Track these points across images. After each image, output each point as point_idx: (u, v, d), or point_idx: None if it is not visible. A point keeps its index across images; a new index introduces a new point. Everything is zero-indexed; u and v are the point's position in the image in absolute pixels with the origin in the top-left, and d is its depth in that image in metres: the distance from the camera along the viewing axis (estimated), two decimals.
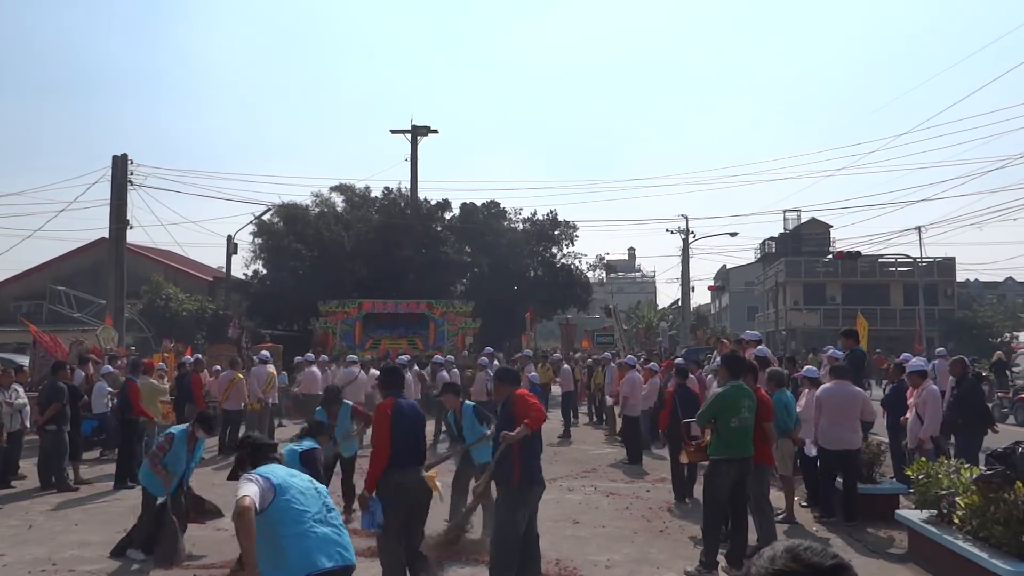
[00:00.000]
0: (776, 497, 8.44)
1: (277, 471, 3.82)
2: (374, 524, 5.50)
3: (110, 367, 12.43)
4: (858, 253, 34.69)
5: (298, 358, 16.63)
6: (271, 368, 13.98)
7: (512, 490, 5.46)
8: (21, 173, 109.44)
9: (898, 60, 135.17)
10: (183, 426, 7.31)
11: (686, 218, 37.28)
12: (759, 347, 10.61)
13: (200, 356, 14.89)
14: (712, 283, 58.64)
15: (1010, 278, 57.11)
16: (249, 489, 3.56)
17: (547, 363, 19.19)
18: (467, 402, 8.13)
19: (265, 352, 15.55)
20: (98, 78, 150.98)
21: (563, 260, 33.64)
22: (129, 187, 23.13)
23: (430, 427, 11.52)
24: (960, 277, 48.98)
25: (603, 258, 36.28)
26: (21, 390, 10.76)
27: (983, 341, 39.37)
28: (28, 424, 10.76)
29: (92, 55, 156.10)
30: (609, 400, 15.58)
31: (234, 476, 4.15)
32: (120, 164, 23.02)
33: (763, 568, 1.27)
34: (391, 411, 5.60)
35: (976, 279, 54.64)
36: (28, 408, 10.67)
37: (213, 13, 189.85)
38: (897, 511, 7.32)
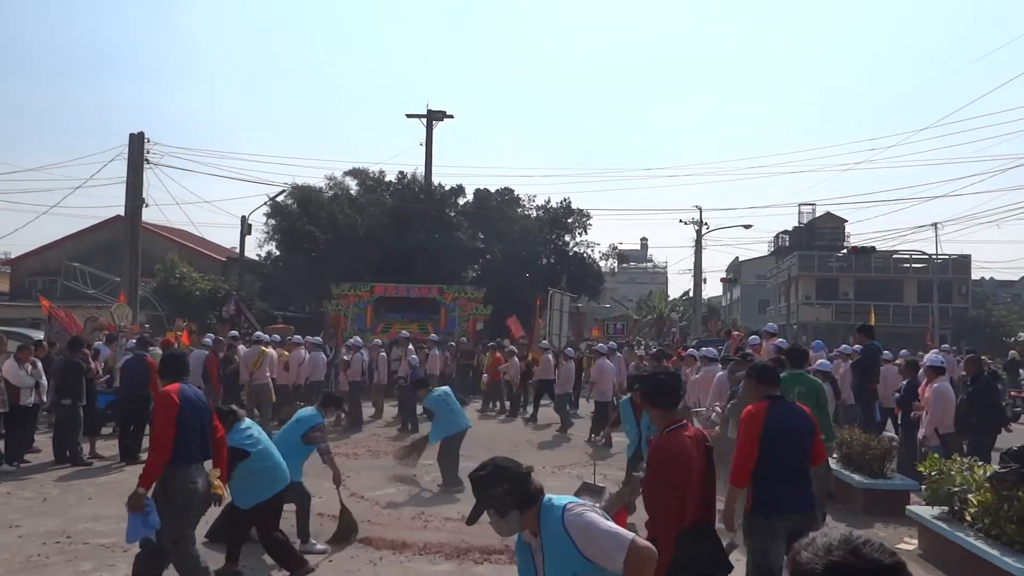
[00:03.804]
0: None
1: (585, 504, 2.94)
2: (146, 529, 4.75)
3: (133, 341, 12.53)
4: (872, 248, 34.42)
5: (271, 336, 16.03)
6: (265, 348, 13.85)
7: (746, 517, 4.51)
8: (38, 150, 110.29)
9: (918, 55, 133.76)
10: (312, 410, 7.04)
11: (700, 209, 37.11)
12: (778, 340, 10.68)
13: (221, 338, 14.90)
14: (724, 275, 58.44)
15: None
16: (619, 527, 2.77)
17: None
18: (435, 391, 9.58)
19: (260, 332, 15.56)
20: (116, 57, 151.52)
21: (576, 248, 33.63)
22: (145, 166, 23.23)
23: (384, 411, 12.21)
24: (976, 275, 48.64)
25: (615, 247, 36.25)
26: (40, 365, 10.82)
27: (997, 340, 39.09)
28: (44, 399, 10.85)
29: (109, 34, 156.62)
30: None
31: (473, 519, 2.99)
32: (137, 143, 23.11)
33: (817, 556, 1.20)
34: (179, 397, 4.92)
35: (991, 277, 54.32)
36: (45, 382, 10.76)
37: None
38: (908, 507, 7.30)
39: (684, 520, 3.67)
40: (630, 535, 2.67)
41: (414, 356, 15.65)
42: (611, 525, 2.72)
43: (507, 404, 17.32)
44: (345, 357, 15.39)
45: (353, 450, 11.66)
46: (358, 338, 17.30)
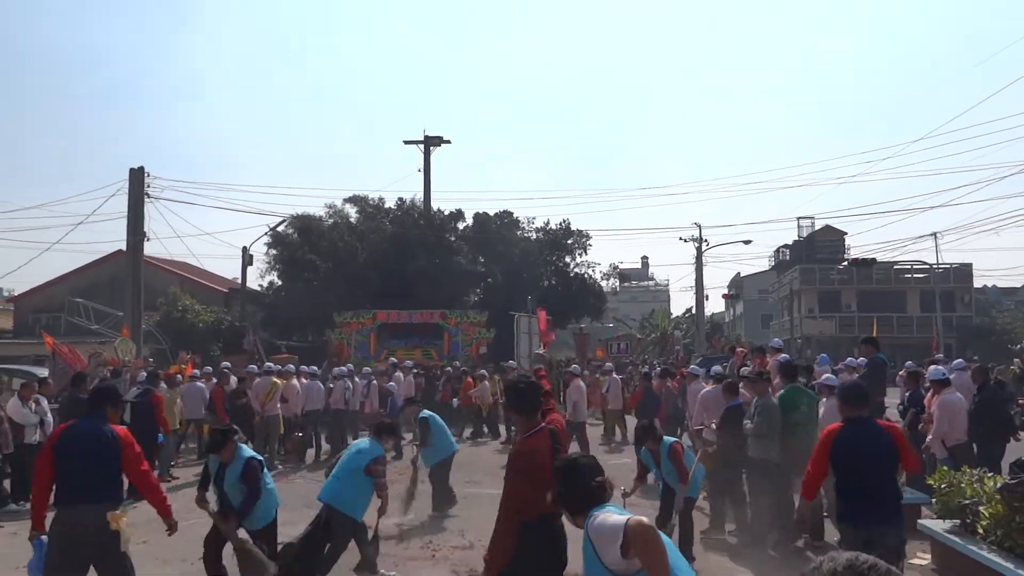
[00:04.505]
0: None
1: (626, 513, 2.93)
2: (35, 570, 4.85)
3: (144, 375, 12.58)
4: (873, 260, 34.41)
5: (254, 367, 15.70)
6: (275, 379, 13.91)
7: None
8: (39, 186, 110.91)
9: (913, 65, 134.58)
10: (368, 441, 6.93)
11: (699, 226, 37.08)
12: (782, 355, 10.67)
13: (226, 369, 14.93)
14: (726, 291, 58.35)
15: None
16: (620, 518, 2.75)
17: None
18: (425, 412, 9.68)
19: (269, 363, 15.58)
20: (114, 90, 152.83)
21: (576, 269, 33.66)
22: (146, 199, 23.36)
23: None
24: (977, 283, 48.61)
25: (616, 267, 36.24)
26: (44, 402, 10.82)
27: (1002, 347, 38.94)
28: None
29: (108, 67, 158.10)
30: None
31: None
32: (137, 177, 23.24)
33: None
34: (57, 438, 4.89)
35: (994, 285, 54.20)
36: (50, 420, 10.74)
37: (226, 24, 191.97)
38: (919, 521, 7.24)
39: (531, 513, 3.98)
40: (623, 517, 2.68)
41: (392, 383, 15.80)
42: (615, 519, 2.73)
43: (483, 428, 17.64)
44: (329, 385, 15.52)
45: None
46: (348, 366, 17.35)
